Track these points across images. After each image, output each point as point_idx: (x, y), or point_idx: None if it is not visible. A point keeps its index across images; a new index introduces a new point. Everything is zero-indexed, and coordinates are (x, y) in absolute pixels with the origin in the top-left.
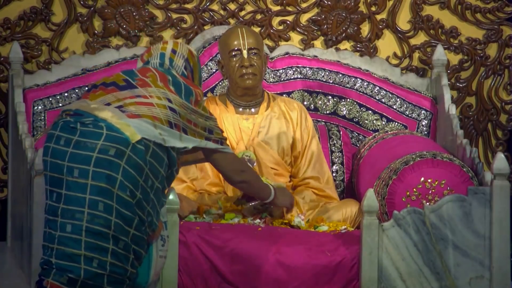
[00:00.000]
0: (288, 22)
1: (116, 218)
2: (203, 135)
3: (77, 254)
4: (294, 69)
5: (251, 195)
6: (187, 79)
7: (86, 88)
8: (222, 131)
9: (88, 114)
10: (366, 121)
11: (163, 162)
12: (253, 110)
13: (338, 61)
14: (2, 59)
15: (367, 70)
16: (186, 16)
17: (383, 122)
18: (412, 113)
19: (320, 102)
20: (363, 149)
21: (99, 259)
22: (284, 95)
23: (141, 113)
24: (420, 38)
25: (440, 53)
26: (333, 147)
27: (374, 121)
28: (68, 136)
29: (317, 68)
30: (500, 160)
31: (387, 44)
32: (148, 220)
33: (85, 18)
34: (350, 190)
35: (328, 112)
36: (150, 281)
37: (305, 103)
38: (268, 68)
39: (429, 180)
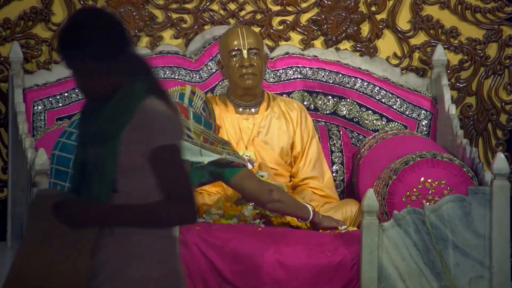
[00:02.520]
0: (288, 22)
1: None
2: (223, 160)
3: None
4: (294, 69)
5: (288, 215)
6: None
7: None
8: (241, 156)
9: None
10: (366, 121)
11: None
12: (253, 110)
13: (338, 61)
14: (2, 59)
15: (367, 70)
16: (186, 16)
17: (383, 122)
18: (412, 113)
19: (320, 102)
20: (363, 149)
21: None
22: (284, 95)
23: None
24: (420, 38)
25: (440, 53)
26: (333, 147)
27: (374, 121)
28: None
29: (317, 68)
30: (500, 160)
31: (387, 44)
32: None
33: None
34: (350, 190)
35: (328, 112)
36: None
37: (305, 103)
38: (268, 68)
39: (429, 180)
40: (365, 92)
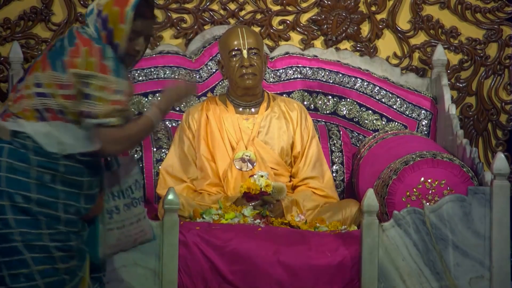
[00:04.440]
0: (288, 22)
1: (20, 228)
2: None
3: None
4: (294, 69)
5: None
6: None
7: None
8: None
9: None
10: (366, 121)
11: (51, 155)
12: (253, 110)
13: (338, 61)
14: (2, 59)
15: (367, 70)
16: (186, 16)
17: (383, 122)
18: (412, 113)
19: (320, 102)
20: (363, 149)
21: (23, 273)
22: (284, 95)
23: (16, 111)
24: (420, 38)
25: (440, 53)
26: (333, 147)
27: (374, 121)
28: None
29: (317, 68)
30: (500, 160)
31: (387, 44)
32: (71, 210)
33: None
34: (350, 190)
35: (328, 112)
36: (101, 255)
37: (305, 103)
38: (268, 68)
39: (429, 180)
40: (365, 92)
